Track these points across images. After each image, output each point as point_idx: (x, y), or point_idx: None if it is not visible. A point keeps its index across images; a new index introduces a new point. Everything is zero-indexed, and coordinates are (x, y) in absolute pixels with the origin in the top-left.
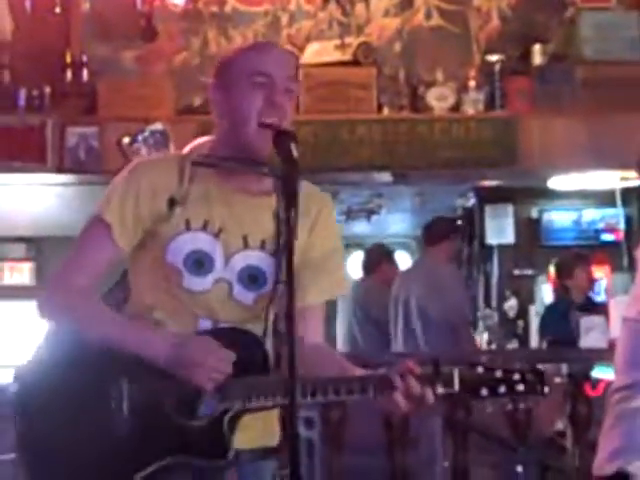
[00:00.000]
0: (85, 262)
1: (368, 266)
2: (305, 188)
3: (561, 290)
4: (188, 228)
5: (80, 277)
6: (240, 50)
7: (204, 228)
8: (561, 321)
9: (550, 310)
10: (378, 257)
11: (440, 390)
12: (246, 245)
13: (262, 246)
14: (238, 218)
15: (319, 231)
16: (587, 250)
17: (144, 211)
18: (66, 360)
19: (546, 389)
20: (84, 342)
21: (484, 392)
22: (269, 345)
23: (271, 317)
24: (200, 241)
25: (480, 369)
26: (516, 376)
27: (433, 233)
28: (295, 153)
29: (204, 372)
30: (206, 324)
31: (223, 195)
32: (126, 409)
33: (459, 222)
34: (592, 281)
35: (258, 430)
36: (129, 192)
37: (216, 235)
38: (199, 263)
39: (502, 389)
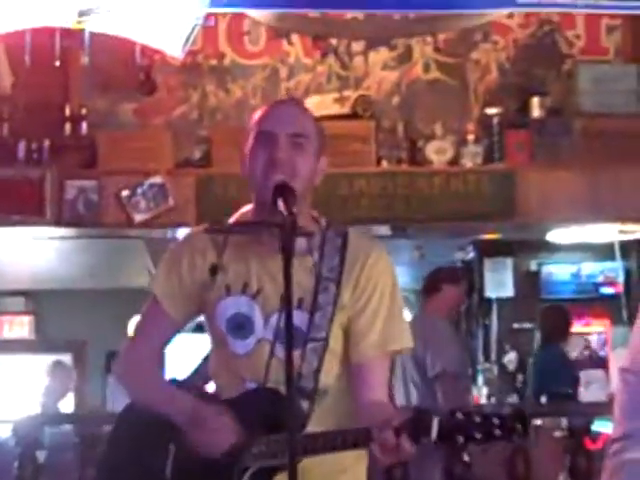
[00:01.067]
0: (144, 336)
1: None
2: (355, 242)
3: None
4: (228, 293)
5: (145, 345)
6: (263, 108)
7: (244, 291)
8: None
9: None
10: None
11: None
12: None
13: (299, 304)
14: (274, 278)
15: (365, 282)
16: (586, 303)
17: (187, 279)
18: (132, 424)
19: (524, 429)
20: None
21: (460, 439)
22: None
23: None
24: (240, 304)
25: (460, 415)
26: (495, 420)
27: (429, 283)
28: (294, 208)
29: (207, 446)
30: (252, 387)
31: (259, 257)
32: (169, 472)
33: (458, 270)
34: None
35: None
36: (173, 263)
37: (254, 297)
38: (240, 326)
39: (478, 435)
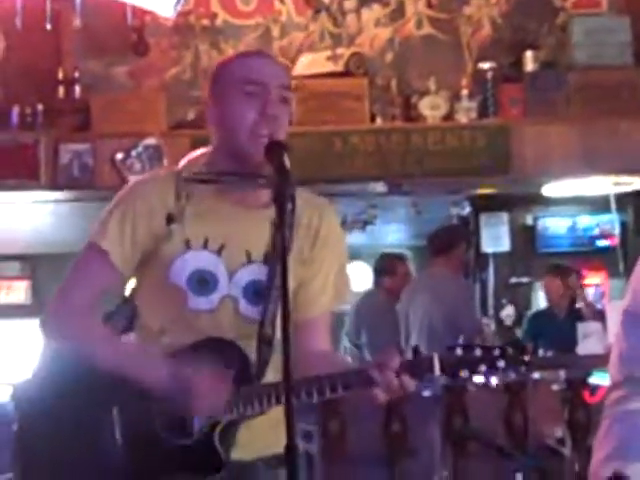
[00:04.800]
0: (84, 284)
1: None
2: (303, 196)
3: None
4: (189, 247)
5: (80, 298)
6: (234, 57)
7: (205, 246)
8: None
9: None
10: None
11: (421, 377)
12: (249, 259)
13: (265, 259)
14: (239, 233)
15: (322, 240)
16: (582, 256)
17: (142, 232)
18: (63, 382)
19: (526, 357)
20: (81, 364)
21: (465, 373)
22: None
23: (271, 325)
24: (202, 260)
25: (459, 351)
26: (496, 352)
27: (439, 243)
28: (287, 164)
29: (204, 404)
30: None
31: (222, 210)
32: (119, 435)
33: (463, 229)
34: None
35: (271, 439)
36: (126, 215)
37: (218, 252)
38: (203, 282)
39: (482, 367)
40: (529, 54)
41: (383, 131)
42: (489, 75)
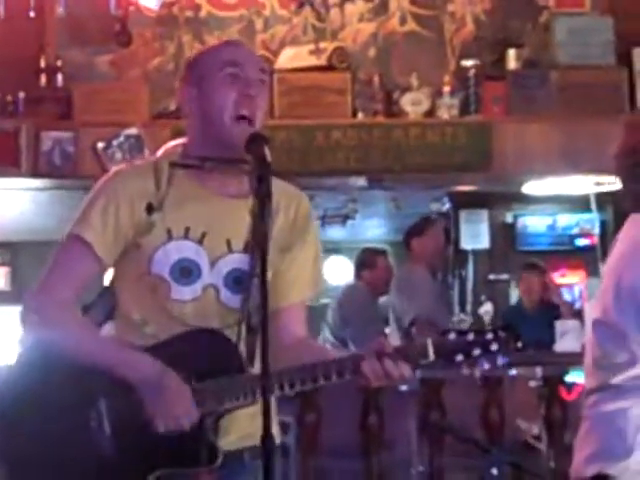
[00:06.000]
0: (67, 275)
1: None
2: (280, 186)
3: None
4: (170, 237)
5: (63, 290)
6: (209, 47)
7: (186, 235)
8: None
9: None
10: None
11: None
12: (230, 249)
13: (245, 249)
14: (220, 222)
15: (298, 230)
16: (562, 255)
17: (124, 222)
18: (47, 372)
19: (519, 344)
20: (64, 355)
21: (459, 357)
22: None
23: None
24: (184, 249)
25: (452, 335)
26: (489, 335)
27: (406, 234)
28: (268, 156)
29: (167, 419)
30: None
31: (202, 199)
32: (107, 428)
33: (433, 217)
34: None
35: (255, 428)
36: (108, 206)
37: (199, 241)
38: (186, 271)
39: (477, 351)
40: (512, 52)
41: (365, 126)
42: (471, 72)
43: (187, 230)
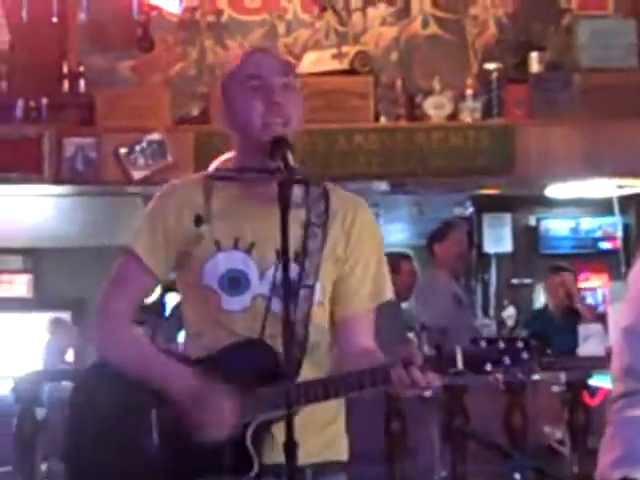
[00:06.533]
0: (121, 290)
1: None
2: (337, 194)
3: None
4: (219, 248)
5: (117, 305)
6: (235, 62)
7: (235, 246)
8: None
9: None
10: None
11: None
12: (279, 258)
13: (295, 258)
14: (268, 231)
15: (356, 239)
16: (584, 258)
17: (172, 234)
18: (113, 381)
19: (549, 352)
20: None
21: (488, 366)
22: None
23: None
24: (233, 260)
25: (483, 343)
26: (519, 344)
27: (429, 239)
28: (291, 160)
29: (206, 429)
30: (238, 340)
31: (250, 209)
32: (156, 438)
33: (455, 221)
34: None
35: (318, 444)
36: (156, 219)
37: (248, 251)
38: (235, 282)
39: (507, 360)
40: (534, 55)
41: (387, 130)
42: (494, 76)
43: (236, 241)
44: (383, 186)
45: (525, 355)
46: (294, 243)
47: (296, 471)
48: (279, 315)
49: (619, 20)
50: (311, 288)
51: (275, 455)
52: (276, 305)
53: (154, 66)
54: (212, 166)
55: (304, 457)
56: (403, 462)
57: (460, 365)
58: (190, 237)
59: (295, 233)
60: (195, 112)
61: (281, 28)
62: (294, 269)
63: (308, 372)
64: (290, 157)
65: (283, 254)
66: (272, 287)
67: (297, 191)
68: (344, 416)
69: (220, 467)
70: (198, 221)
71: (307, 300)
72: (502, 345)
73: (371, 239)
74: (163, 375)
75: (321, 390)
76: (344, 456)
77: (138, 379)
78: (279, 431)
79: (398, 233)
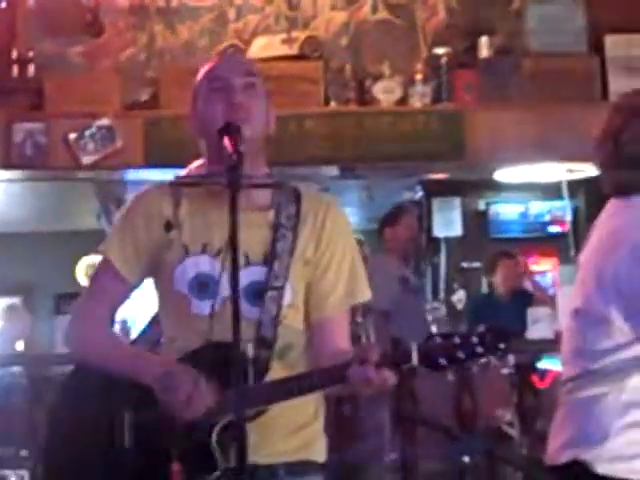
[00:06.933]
0: (94, 294)
1: None
2: (308, 196)
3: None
4: (188, 253)
5: (98, 307)
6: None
7: (204, 251)
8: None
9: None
10: None
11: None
12: (248, 262)
13: (264, 260)
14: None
15: (327, 241)
16: (534, 242)
17: (143, 239)
18: (85, 387)
19: (502, 346)
20: (97, 370)
21: (442, 361)
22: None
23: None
24: (202, 264)
25: (438, 339)
26: (474, 339)
27: (380, 223)
28: (241, 146)
29: (185, 406)
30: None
31: (219, 214)
32: (127, 438)
33: (406, 205)
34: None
35: (293, 445)
36: (126, 224)
37: (216, 255)
38: (203, 286)
39: (461, 354)
40: (484, 40)
41: (337, 115)
42: (443, 60)
43: (204, 245)
44: (333, 171)
45: (480, 350)
46: (262, 245)
47: (268, 470)
48: (248, 318)
49: (568, 5)
50: (280, 290)
51: (253, 456)
52: (245, 308)
53: (104, 51)
54: (184, 171)
55: (277, 456)
56: (353, 446)
57: (415, 361)
58: (161, 243)
59: (264, 235)
60: (144, 97)
61: (231, 13)
62: (262, 271)
63: (281, 374)
64: (239, 142)
65: (233, 261)
66: (243, 290)
67: (266, 193)
68: (323, 418)
69: (186, 466)
70: (168, 227)
71: (275, 302)
72: (457, 340)
73: (343, 240)
74: (134, 365)
75: (282, 390)
76: (321, 457)
77: (113, 374)
78: (251, 432)
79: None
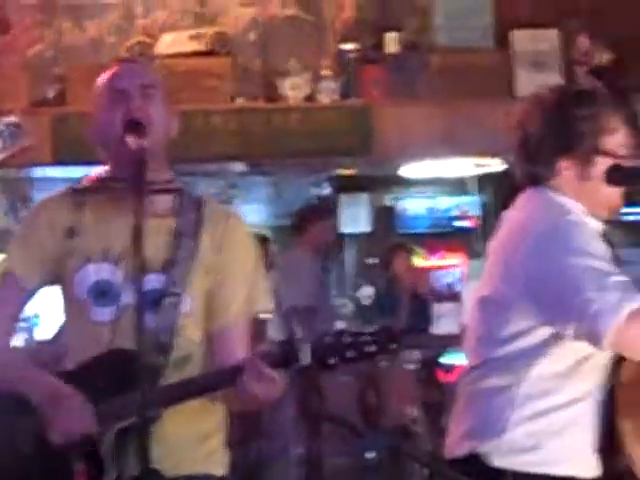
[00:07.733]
0: (1, 304)
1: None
2: (210, 206)
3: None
4: (89, 260)
5: None
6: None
7: (105, 257)
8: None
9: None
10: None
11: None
12: (147, 269)
13: (163, 267)
14: None
15: (227, 250)
16: (441, 237)
17: (45, 246)
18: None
19: (393, 346)
20: None
21: (332, 360)
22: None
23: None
24: (102, 271)
25: (329, 338)
26: (365, 338)
27: (300, 218)
28: (144, 143)
29: (61, 430)
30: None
31: (119, 221)
32: (20, 445)
33: (323, 206)
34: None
35: (194, 457)
36: (28, 235)
37: (117, 263)
38: (103, 293)
39: (350, 354)
40: (391, 36)
41: (244, 111)
42: (351, 56)
43: (105, 252)
44: (240, 167)
45: (370, 349)
46: (161, 252)
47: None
48: (146, 325)
49: (475, 1)
50: (178, 297)
51: (157, 464)
52: (143, 315)
53: (10, 48)
54: (85, 179)
55: (175, 469)
56: (258, 442)
57: (305, 361)
58: (63, 250)
59: (163, 242)
60: (52, 94)
61: (138, 10)
62: (161, 279)
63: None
64: (142, 140)
65: (137, 245)
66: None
67: (167, 199)
68: (225, 430)
69: (89, 467)
70: (70, 234)
71: (173, 309)
72: (348, 339)
73: (243, 250)
74: (21, 383)
75: (174, 393)
76: (221, 470)
77: (4, 386)
78: (155, 441)
79: (255, 214)
